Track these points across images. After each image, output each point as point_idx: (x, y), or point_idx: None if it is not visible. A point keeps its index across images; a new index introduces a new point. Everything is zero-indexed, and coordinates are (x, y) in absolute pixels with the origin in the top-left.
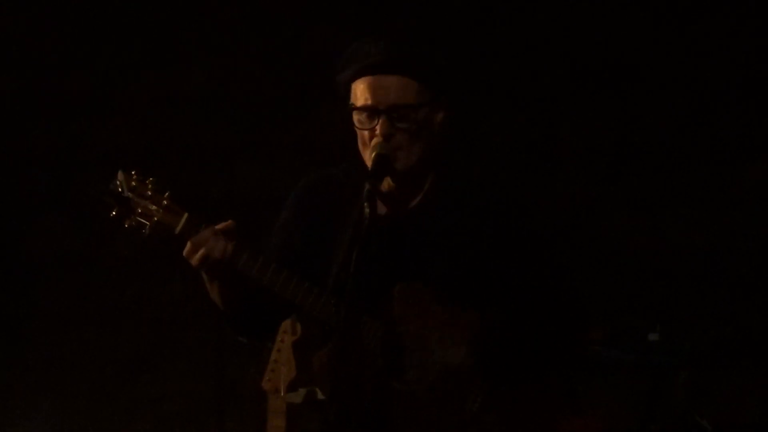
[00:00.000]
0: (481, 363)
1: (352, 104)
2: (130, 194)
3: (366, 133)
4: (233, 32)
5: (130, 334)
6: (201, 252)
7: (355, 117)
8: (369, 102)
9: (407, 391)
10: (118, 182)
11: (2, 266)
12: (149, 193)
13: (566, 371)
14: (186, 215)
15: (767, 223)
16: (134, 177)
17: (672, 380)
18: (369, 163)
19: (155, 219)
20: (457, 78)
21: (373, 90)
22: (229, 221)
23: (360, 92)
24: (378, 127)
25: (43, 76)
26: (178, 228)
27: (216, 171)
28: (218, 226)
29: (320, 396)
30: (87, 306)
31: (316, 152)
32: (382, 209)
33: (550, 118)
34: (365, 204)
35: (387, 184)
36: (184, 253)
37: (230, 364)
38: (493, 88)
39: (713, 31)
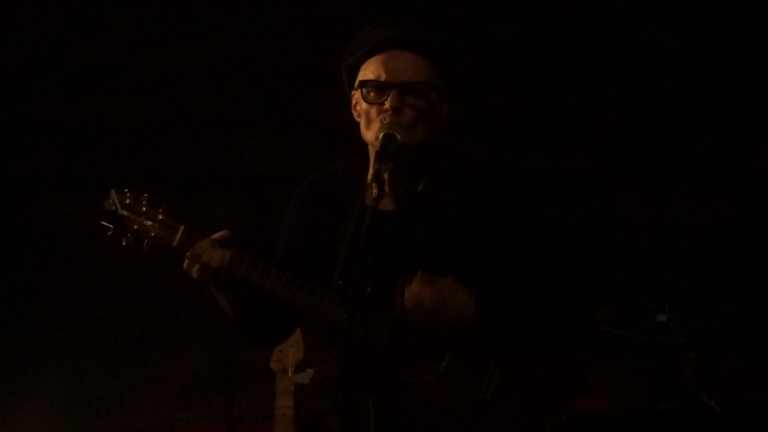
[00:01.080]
0: (491, 347)
1: (360, 80)
2: (124, 212)
3: (374, 108)
4: (243, 8)
5: (138, 311)
6: (199, 263)
7: (364, 91)
8: (382, 77)
9: (418, 383)
10: (111, 201)
11: (10, 243)
12: (144, 209)
13: (576, 350)
14: (182, 228)
15: None
16: (128, 194)
17: (680, 360)
18: (373, 141)
19: (152, 234)
20: (465, 64)
21: (386, 65)
22: (225, 231)
23: (372, 68)
24: (388, 101)
25: (52, 53)
26: (176, 241)
27: (225, 148)
28: (214, 236)
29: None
30: (95, 283)
31: (325, 129)
32: (385, 203)
33: (558, 95)
34: (374, 184)
35: (387, 175)
36: (184, 266)
37: (239, 343)
38: (501, 65)
39: (722, 7)
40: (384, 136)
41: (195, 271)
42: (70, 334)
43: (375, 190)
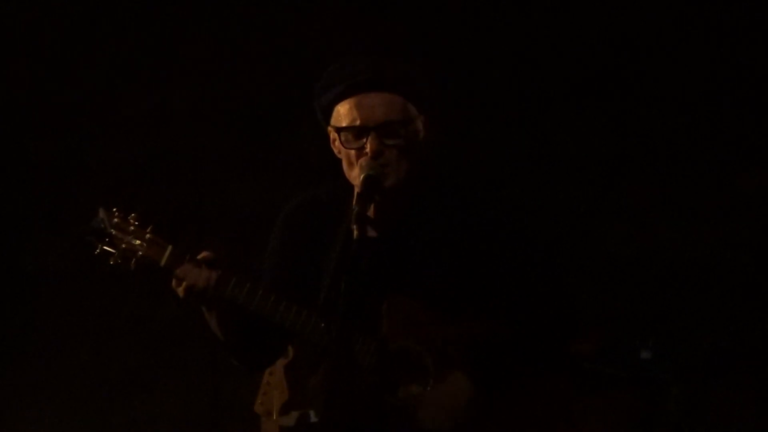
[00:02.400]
0: (474, 374)
1: (337, 126)
2: (112, 231)
3: (353, 152)
4: (227, 49)
5: (125, 353)
6: (185, 283)
7: (342, 137)
8: (357, 121)
9: (402, 406)
10: (99, 219)
11: None
12: (132, 228)
13: (561, 380)
14: (170, 248)
15: (761, 235)
16: (116, 214)
17: (665, 395)
18: (356, 182)
19: (140, 254)
20: (442, 93)
21: (361, 108)
22: (208, 252)
23: (346, 112)
24: (367, 145)
25: (39, 93)
26: (163, 261)
27: (210, 187)
28: (200, 256)
29: (313, 419)
30: (82, 324)
31: (309, 168)
32: (369, 229)
33: (545, 127)
34: (354, 226)
35: (373, 206)
36: (172, 285)
37: (225, 384)
38: (488, 97)
39: (707, 40)
40: (365, 177)
41: (182, 291)
42: (58, 375)
43: (356, 231)
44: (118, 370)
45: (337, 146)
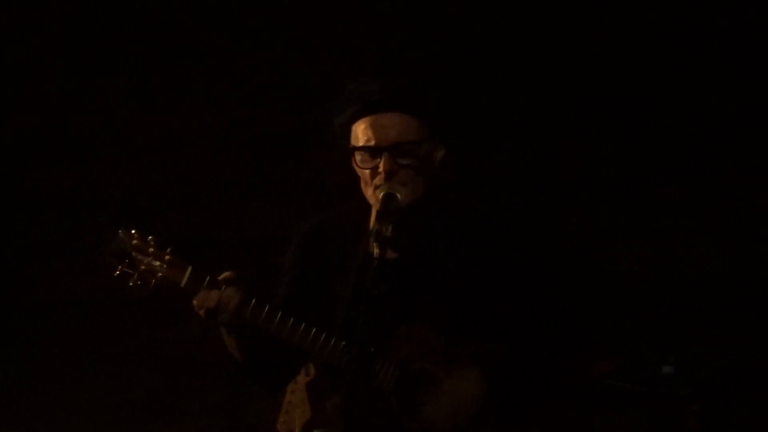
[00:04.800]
0: (491, 396)
1: (353, 145)
2: (132, 252)
3: (368, 172)
4: (241, 73)
5: (143, 376)
6: (207, 305)
7: (357, 157)
8: (371, 141)
9: (422, 429)
10: (120, 240)
11: (12, 311)
12: (151, 249)
13: (578, 401)
14: (190, 268)
15: None
16: (135, 235)
17: (685, 412)
18: (373, 201)
19: (159, 275)
20: (455, 113)
21: (375, 129)
22: (230, 272)
23: (361, 132)
24: (381, 165)
25: (49, 118)
26: (183, 282)
27: (225, 212)
28: (221, 277)
29: None
30: (99, 349)
31: (324, 192)
32: (388, 251)
33: (557, 147)
34: (375, 244)
35: (390, 227)
36: (193, 306)
37: (245, 406)
38: (498, 117)
39: (719, 58)
40: (384, 195)
41: (204, 313)
42: (75, 401)
43: (377, 250)
44: (137, 393)
45: (355, 166)
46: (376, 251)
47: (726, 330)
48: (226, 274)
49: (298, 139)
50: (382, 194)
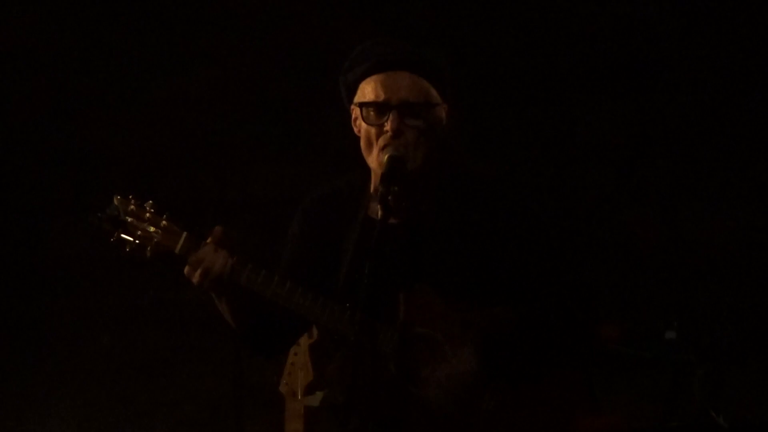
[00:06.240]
0: (490, 362)
1: (360, 101)
2: (127, 218)
3: (373, 130)
4: (248, 33)
5: (147, 337)
6: (201, 269)
7: (364, 112)
8: (381, 97)
9: (422, 394)
10: (114, 207)
11: (19, 270)
12: (147, 215)
13: (582, 367)
14: (185, 235)
15: None
16: (132, 201)
17: (689, 377)
18: (375, 164)
19: (155, 241)
20: (463, 81)
21: (385, 86)
22: (220, 229)
23: (370, 89)
24: (388, 123)
25: (58, 79)
26: (178, 248)
27: (231, 173)
28: (214, 239)
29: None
30: (104, 309)
31: (331, 153)
32: (391, 219)
33: (566, 114)
34: (379, 206)
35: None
36: (185, 272)
37: (248, 366)
38: (508, 84)
39: (731, 24)
40: (389, 158)
41: (196, 277)
42: (80, 360)
43: (380, 212)
44: (141, 354)
45: (358, 125)
46: (379, 214)
47: (729, 296)
48: (218, 228)
49: (305, 100)
50: (386, 156)
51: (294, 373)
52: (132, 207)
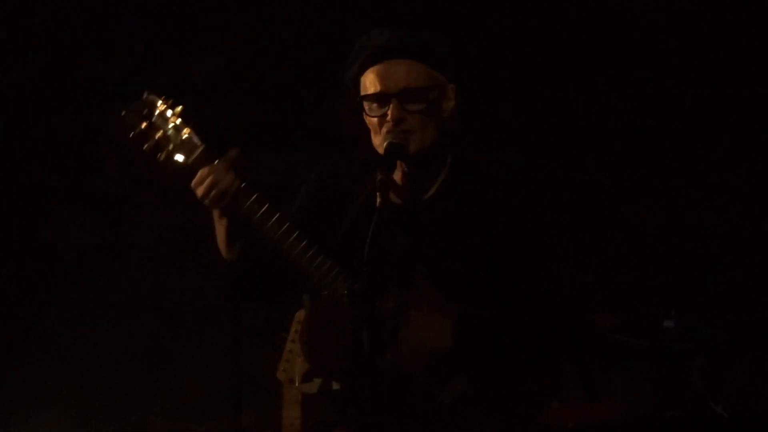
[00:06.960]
0: (461, 349)
1: (362, 95)
2: (154, 117)
3: (376, 119)
4: (247, 21)
5: (146, 324)
6: (208, 182)
7: (366, 105)
8: (379, 89)
9: (393, 358)
10: (143, 102)
11: (19, 257)
12: (173, 120)
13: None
14: (202, 148)
15: None
16: (164, 101)
17: (688, 366)
18: (381, 150)
19: (171, 146)
20: (463, 62)
21: (382, 77)
22: (236, 150)
23: (369, 82)
24: (389, 112)
25: (57, 67)
26: (191, 159)
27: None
28: (229, 159)
29: (335, 386)
30: (103, 296)
31: (334, 141)
32: (395, 199)
33: (565, 103)
34: (377, 193)
35: (400, 174)
36: (192, 183)
37: (247, 354)
38: (508, 72)
39: (729, 15)
40: (388, 145)
41: (202, 189)
42: (79, 347)
43: (379, 199)
44: (139, 341)
45: (366, 118)
46: (378, 200)
47: (728, 285)
48: (232, 152)
49: (308, 87)
50: (385, 143)
51: (292, 360)
52: (162, 107)
